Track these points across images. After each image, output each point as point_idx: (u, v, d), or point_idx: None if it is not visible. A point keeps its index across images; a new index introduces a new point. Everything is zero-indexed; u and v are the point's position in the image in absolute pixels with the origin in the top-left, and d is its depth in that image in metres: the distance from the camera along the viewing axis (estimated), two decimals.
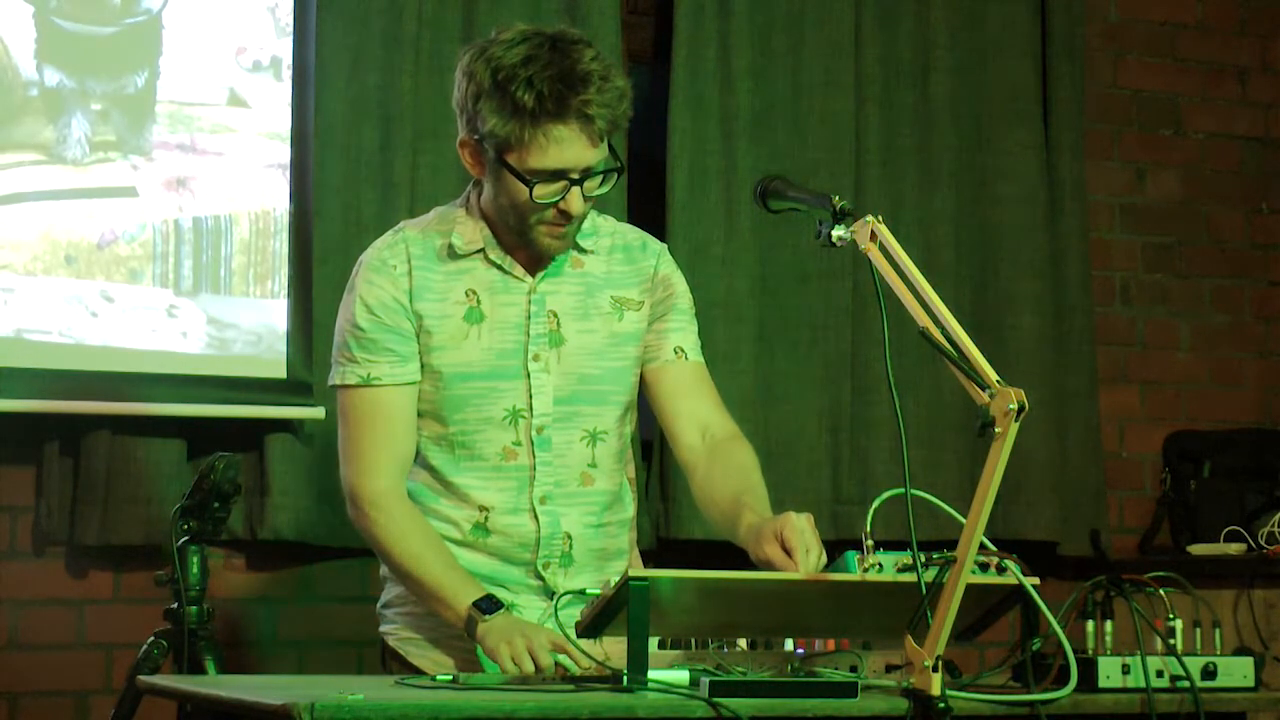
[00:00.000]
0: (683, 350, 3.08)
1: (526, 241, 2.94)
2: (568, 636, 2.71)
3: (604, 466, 3.02)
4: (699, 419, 3.07)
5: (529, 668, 2.71)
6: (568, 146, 2.82)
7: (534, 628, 2.80)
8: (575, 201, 2.88)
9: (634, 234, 3.11)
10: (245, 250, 4.48)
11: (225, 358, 4.43)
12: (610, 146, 2.89)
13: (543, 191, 2.86)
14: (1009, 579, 2.66)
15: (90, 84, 4.36)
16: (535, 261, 2.99)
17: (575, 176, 2.85)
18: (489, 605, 2.83)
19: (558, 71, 2.79)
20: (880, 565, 2.63)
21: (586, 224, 3.00)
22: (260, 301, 4.48)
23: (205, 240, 4.44)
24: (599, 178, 2.89)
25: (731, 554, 2.95)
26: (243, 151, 4.49)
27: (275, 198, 4.51)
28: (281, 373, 4.47)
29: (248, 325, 4.47)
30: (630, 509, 3.10)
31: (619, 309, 3.04)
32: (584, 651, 2.69)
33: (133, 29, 4.42)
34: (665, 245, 3.14)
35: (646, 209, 4.77)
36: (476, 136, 2.88)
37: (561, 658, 2.72)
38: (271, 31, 4.54)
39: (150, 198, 4.41)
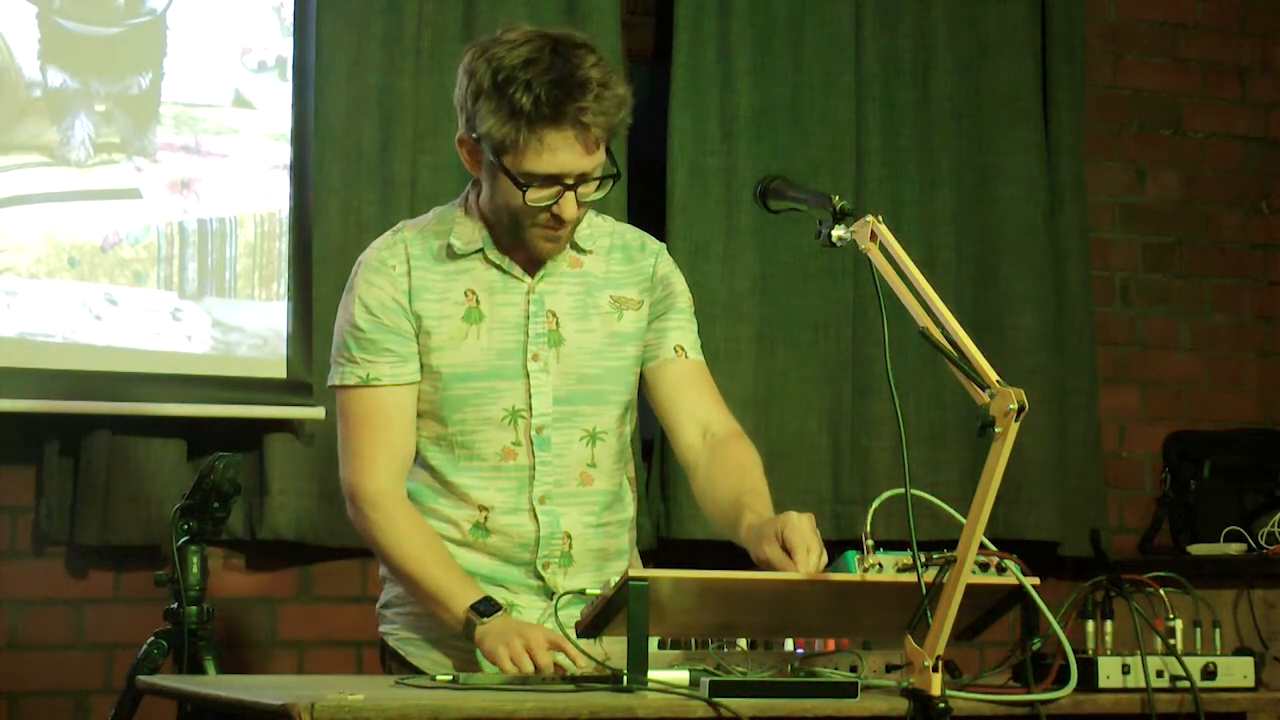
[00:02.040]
0: (683, 349, 3.08)
1: (521, 243, 2.94)
2: (567, 636, 2.72)
3: (603, 466, 3.02)
4: (699, 417, 3.07)
5: (528, 668, 2.71)
6: (562, 152, 2.82)
7: (532, 627, 2.80)
8: (569, 206, 2.87)
9: (632, 234, 3.11)
10: (250, 253, 4.47)
11: (224, 358, 4.43)
12: (609, 151, 2.89)
13: (536, 195, 2.85)
14: (1009, 579, 2.67)
15: (94, 85, 4.35)
16: (534, 261, 2.99)
17: (570, 181, 2.85)
18: (487, 608, 2.82)
19: (557, 76, 2.79)
20: (880, 565, 2.63)
21: (585, 224, 3.00)
22: (266, 304, 4.47)
23: (210, 243, 4.43)
24: (595, 183, 2.89)
25: (731, 554, 2.96)
26: (248, 153, 4.48)
27: (280, 200, 4.50)
28: (281, 373, 4.47)
29: (253, 329, 4.46)
30: (630, 509, 3.10)
31: (618, 308, 3.03)
32: (584, 651, 2.69)
33: (137, 29, 4.41)
34: (664, 245, 3.14)
35: (646, 209, 4.77)
36: (474, 135, 2.88)
37: (559, 656, 2.72)
38: (277, 31, 4.52)
39: (154, 200, 4.40)
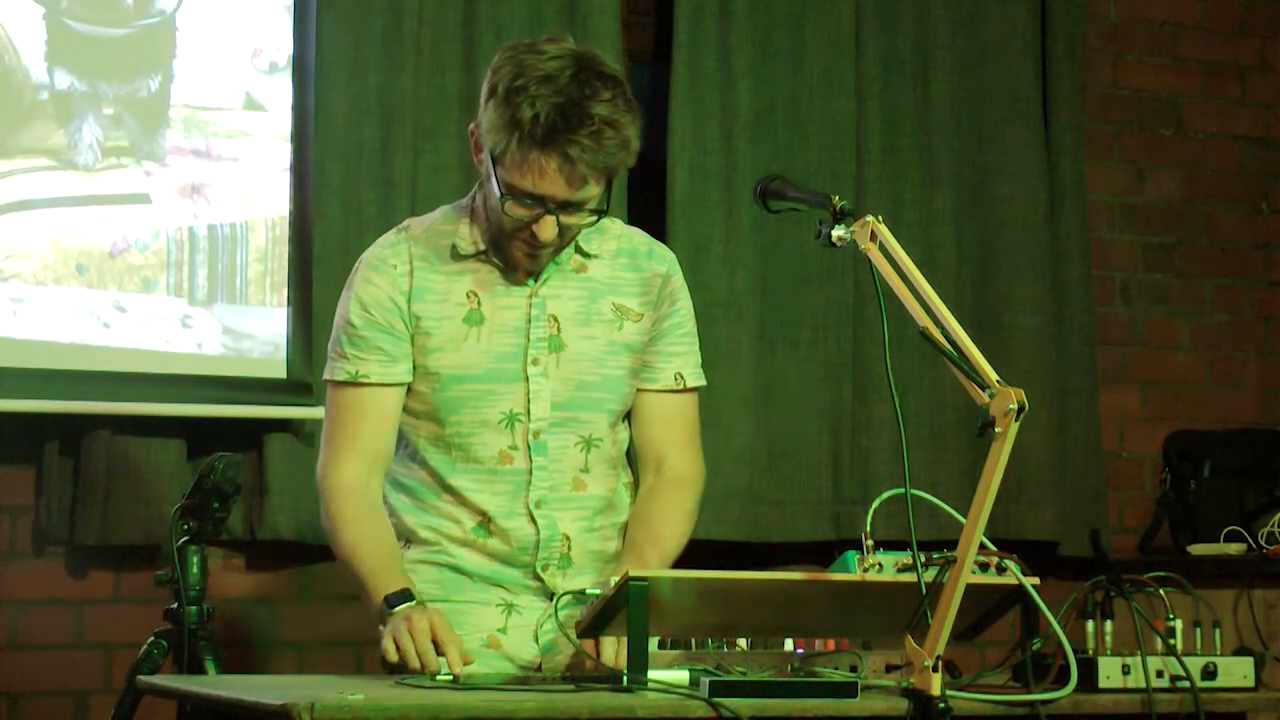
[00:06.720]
0: (682, 376, 3.07)
1: (503, 250, 2.94)
2: (567, 636, 2.72)
3: (596, 472, 3.02)
4: (658, 453, 3.07)
5: (408, 649, 2.72)
6: (545, 177, 2.80)
7: (419, 615, 2.78)
8: (546, 230, 2.85)
9: (640, 238, 3.09)
10: (261, 258, 4.44)
11: (224, 357, 4.41)
12: (609, 183, 2.86)
13: (515, 209, 2.84)
14: (1009, 579, 2.67)
15: (102, 87, 4.32)
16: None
17: (553, 206, 2.84)
18: (397, 599, 2.82)
19: (563, 101, 2.76)
20: (880, 565, 2.63)
21: (591, 227, 2.98)
22: (277, 310, 4.44)
23: (220, 248, 4.40)
24: (585, 213, 2.87)
25: (731, 554, 2.96)
26: (258, 156, 4.45)
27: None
28: (281, 373, 4.46)
29: (265, 335, 4.43)
30: (625, 514, 3.09)
31: (619, 317, 3.02)
32: (586, 652, 2.70)
33: (146, 31, 4.38)
34: (674, 256, 3.11)
35: (646, 209, 4.77)
36: (482, 130, 2.87)
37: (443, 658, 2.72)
38: (288, 31, 4.49)
39: (164, 205, 4.37)
